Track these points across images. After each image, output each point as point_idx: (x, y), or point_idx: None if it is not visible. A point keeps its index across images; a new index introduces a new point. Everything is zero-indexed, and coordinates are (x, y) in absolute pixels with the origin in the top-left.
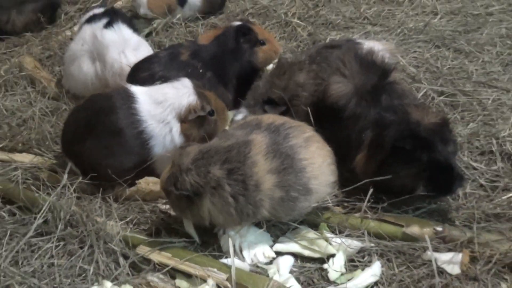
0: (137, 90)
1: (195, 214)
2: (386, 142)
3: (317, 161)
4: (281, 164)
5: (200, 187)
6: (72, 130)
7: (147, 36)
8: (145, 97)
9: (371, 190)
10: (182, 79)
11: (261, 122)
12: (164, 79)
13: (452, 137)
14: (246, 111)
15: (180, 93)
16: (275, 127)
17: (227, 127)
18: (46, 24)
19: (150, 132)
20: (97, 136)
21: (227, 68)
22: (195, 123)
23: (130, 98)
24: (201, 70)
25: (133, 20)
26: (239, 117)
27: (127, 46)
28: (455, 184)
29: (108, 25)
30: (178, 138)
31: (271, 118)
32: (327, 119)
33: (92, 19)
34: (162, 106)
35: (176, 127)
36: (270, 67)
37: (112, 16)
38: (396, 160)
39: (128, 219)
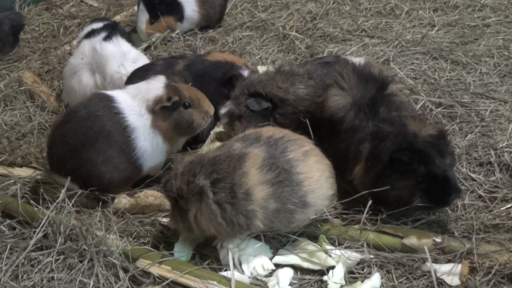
0: (115, 93)
1: (185, 220)
2: (383, 153)
3: (314, 175)
4: (276, 176)
5: (184, 192)
6: (62, 147)
7: (146, 50)
8: (123, 95)
9: (370, 202)
10: (158, 75)
11: (260, 135)
12: None
13: (449, 149)
14: (231, 103)
15: (150, 86)
16: (274, 141)
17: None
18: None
19: (132, 124)
20: (90, 144)
21: (207, 88)
22: (164, 115)
23: (109, 99)
24: (190, 84)
25: (131, 35)
26: (223, 111)
27: (126, 59)
28: (451, 196)
29: (107, 38)
30: (151, 131)
31: (271, 131)
32: (326, 131)
33: (91, 34)
34: (137, 100)
35: (150, 120)
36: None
37: (111, 30)
38: (393, 171)
39: (127, 232)
